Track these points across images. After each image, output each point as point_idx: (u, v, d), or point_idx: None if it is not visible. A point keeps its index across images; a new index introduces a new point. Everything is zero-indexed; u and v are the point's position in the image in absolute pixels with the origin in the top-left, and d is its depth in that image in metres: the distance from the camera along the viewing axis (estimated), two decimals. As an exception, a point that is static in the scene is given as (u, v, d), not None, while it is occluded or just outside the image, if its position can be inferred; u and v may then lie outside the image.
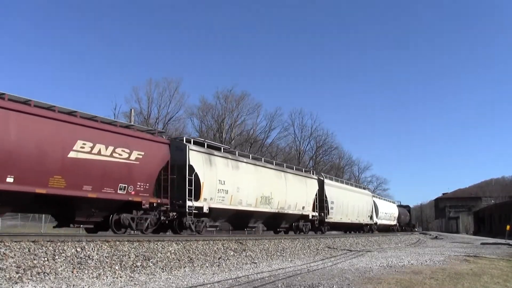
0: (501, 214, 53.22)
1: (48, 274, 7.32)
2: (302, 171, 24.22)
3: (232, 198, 16.81)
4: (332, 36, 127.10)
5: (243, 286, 7.53)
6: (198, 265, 10.13)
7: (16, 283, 6.72)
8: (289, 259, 12.93)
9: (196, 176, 15.14)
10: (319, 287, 7.37)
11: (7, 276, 6.83)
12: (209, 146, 16.90)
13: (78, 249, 8.59)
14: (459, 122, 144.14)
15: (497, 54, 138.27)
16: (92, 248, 8.87)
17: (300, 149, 58.81)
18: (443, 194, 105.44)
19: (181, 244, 11.22)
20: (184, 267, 9.72)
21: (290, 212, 21.11)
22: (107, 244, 9.38)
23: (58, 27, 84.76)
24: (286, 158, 50.74)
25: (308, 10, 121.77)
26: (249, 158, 19.46)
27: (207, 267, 10.16)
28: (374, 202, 36.44)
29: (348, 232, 32.03)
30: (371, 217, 34.41)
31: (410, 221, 55.78)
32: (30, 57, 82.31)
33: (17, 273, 7.04)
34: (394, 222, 44.59)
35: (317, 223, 23.83)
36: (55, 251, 8.17)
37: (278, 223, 21.68)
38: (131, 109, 32.79)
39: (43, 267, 7.49)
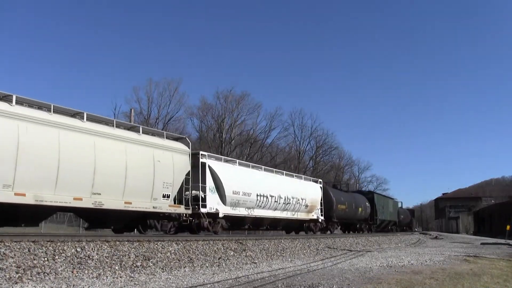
0: (501, 214, 53.16)
1: (48, 274, 7.32)
2: None
3: None
4: (332, 36, 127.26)
5: (243, 286, 7.53)
6: (198, 265, 10.13)
7: (16, 283, 6.72)
8: (289, 259, 12.93)
9: None
10: (319, 287, 7.38)
11: (7, 276, 6.83)
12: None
13: (78, 249, 8.59)
14: (459, 122, 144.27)
15: (496, 53, 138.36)
16: (92, 248, 8.87)
17: (300, 149, 58.76)
18: (443, 194, 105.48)
19: (181, 244, 11.22)
20: (184, 267, 9.72)
21: None
22: (107, 244, 9.38)
23: (58, 26, 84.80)
24: (286, 158, 50.71)
25: (308, 10, 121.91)
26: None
27: (207, 267, 10.16)
28: (208, 168, 17.28)
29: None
30: (184, 201, 15.79)
31: (374, 215, 35.81)
32: (30, 56, 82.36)
33: (17, 273, 7.04)
34: (311, 216, 25.16)
35: None
36: (55, 251, 8.16)
37: None
38: (131, 109, 32.92)
39: (43, 267, 7.49)
